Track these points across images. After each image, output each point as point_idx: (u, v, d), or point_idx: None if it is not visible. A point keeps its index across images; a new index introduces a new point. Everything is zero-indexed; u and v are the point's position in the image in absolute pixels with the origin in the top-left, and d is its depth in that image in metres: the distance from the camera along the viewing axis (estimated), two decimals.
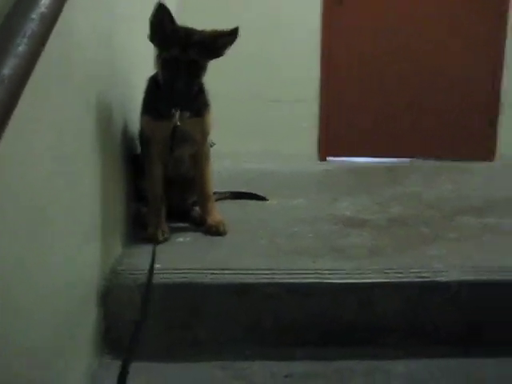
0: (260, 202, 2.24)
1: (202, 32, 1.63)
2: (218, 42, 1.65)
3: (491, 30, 3.25)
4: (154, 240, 1.62)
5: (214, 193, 2.17)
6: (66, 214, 1.19)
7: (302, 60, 3.20)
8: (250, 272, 1.48)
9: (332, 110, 3.30)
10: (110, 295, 1.43)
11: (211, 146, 3.08)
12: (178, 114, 1.59)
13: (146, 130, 1.73)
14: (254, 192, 2.30)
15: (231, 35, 1.64)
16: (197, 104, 1.71)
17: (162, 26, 1.56)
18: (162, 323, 1.45)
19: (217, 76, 2.99)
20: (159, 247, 1.58)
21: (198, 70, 1.65)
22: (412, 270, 1.50)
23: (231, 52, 3.01)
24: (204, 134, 1.81)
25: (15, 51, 0.61)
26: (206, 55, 1.64)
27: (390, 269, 1.51)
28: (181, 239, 1.75)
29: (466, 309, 1.47)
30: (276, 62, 3.19)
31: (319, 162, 3.26)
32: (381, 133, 3.34)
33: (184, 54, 1.58)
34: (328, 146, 3.29)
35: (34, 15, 0.66)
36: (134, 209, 1.84)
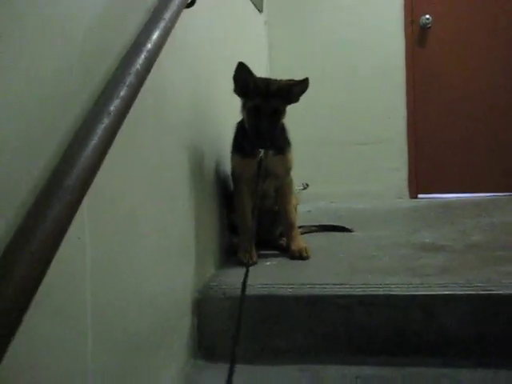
0: (346, 234, 2.42)
1: (278, 82, 1.89)
2: (293, 90, 1.90)
3: None
4: (242, 263, 1.89)
5: (303, 226, 2.41)
6: (163, 238, 1.46)
7: (387, 101, 3.38)
8: (326, 286, 1.66)
9: (420, 148, 3.41)
10: (202, 306, 1.67)
11: (305, 188, 3.36)
12: (262, 152, 1.85)
13: (236, 167, 2.00)
14: (342, 225, 2.49)
15: (303, 83, 1.89)
16: (279, 143, 1.96)
17: (244, 81, 1.84)
18: (247, 330, 1.66)
19: (309, 125, 3.32)
20: (252, 269, 1.86)
21: (278, 115, 1.89)
22: (477, 284, 1.60)
23: (321, 101, 3.32)
24: (286, 169, 2.04)
25: (118, 94, 0.90)
26: (283, 102, 1.89)
27: (455, 283, 1.62)
28: (267, 263, 1.97)
29: None
30: (363, 105, 3.39)
31: (410, 199, 3.36)
32: (471, 168, 3.38)
33: (265, 102, 1.84)
34: (418, 183, 3.40)
35: (131, 71, 0.96)
36: (227, 239, 2.10)
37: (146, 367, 1.33)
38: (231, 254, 2.05)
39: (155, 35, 1.10)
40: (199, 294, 1.69)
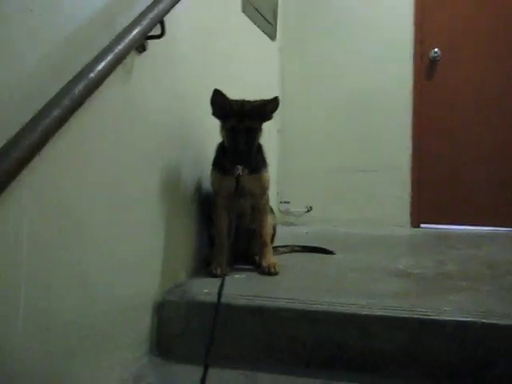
0: (326, 256, 2.52)
1: (252, 103, 2.04)
2: (266, 109, 2.05)
3: None
4: (213, 275, 2.04)
5: (287, 245, 2.53)
6: (119, 245, 1.62)
7: (394, 131, 3.47)
8: (276, 299, 1.77)
9: (424, 179, 3.46)
10: (162, 309, 1.82)
11: (308, 211, 3.47)
12: (240, 169, 1.99)
13: (214, 183, 2.14)
14: (324, 247, 2.59)
15: (274, 102, 2.04)
16: (255, 163, 2.10)
17: (220, 105, 2.00)
18: (202, 335, 1.80)
19: (317, 151, 3.45)
20: (217, 280, 2.00)
21: (253, 133, 2.04)
22: (417, 309, 1.68)
23: (330, 129, 3.46)
24: (262, 188, 2.16)
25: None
26: (258, 121, 2.04)
27: (398, 307, 1.70)
28: (237, 276, 2.10)
29: (461, 347, 1.59)
30: (369, 133, 3.49)
31: (410, 228, 3.40)
32: (476, 202, 3.40)
33: (240, 122, 2.00)
34: (421, 213, 3.44)
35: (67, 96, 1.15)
36: (208, 250, 2.25)
37: (104, 357, 1.52)
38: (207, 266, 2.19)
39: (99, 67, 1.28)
40: (161, 298, 1.85)
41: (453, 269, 2.25)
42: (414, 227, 3.43)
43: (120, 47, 1.40)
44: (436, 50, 3.43)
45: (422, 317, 1.63)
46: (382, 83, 3.46)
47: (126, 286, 1.66)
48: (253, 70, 2.94)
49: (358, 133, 3.49)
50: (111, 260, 1.58)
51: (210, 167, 2.15)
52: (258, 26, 2.99)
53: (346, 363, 1.67)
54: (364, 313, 1.68)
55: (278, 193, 3.56)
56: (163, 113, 1.90)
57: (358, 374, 1.64)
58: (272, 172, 3.44)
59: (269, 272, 2.11)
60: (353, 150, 3.50)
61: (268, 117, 2.08)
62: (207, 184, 2.23)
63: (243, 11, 2.72)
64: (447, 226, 3.41)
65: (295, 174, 3.58)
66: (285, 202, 3.57)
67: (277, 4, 3.37)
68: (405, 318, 1.64)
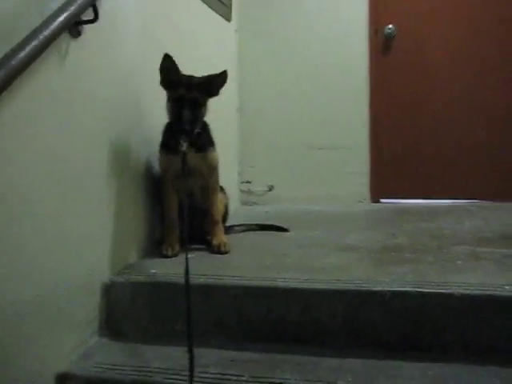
0: (281, 233, 2.56)
1: (200, 77, 2.06)
2: (213, 83, 2.07)
3: None
4: (163, 255, 2.08)
5: (243, 224, 2.57)
6: (65, 226, 1.65)
7: (351, 108, 3.50)
8: (221, 277, 1.83)
9: (382, 154, 3.52)
10: (109, 290, 1.84)
11: (270, 190, 3.51)
12: (185, 145, 1.98)
13: (161, 163, 2.15)
14: (279, 225, 2.63)
15: (222, 76, 2.07)
16: (201, 141, 2.12)
17: (169, 73, 2.01)
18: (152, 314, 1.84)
19: (276, 130, 3.48)
20: (167, 260, 2.05)
21: (199, 106, 2.05)
22: (352, 281, 1.73)
23: (288, 107, 3.49)
24: (209, 167, 2.18)
25: None
26: (204, 94, 2.06)
27: (337, 279, 1.75)
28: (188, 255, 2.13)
29: (399, 317, 1.64)
30: (327, 111, 3.52)
31: (370, 204, 3.46)
32: (435, 175, 3.46)
33: (188, 93, 2.01)
34: (380, 188, 3.49)
35: None
36: (159, 233, 2.27)
37: (52, 335, 1.56)
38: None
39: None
40: (109, 279, 1.87)
41: (402, 242, 2.31)
42: (374, 202, 3.48)
43: (47, 32, 1.40)
44: (391, 26, 3.45)
45: (358, 288, 1.69)
46: (338, 60, 3.48)
47: (73, 265, 1.68)
48: (207, 51, 2.93)
49: (317, 111, 3.50)
50: (57, 238, 1.60)
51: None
52: (211, 8, 2.98)
53: (289, 337, 1.72)
54: (304, 287, 1.73)
55: (238, 173, 3.58)
56: (108, 93, 1.92)
57: (301, 347, 1.68)
58: (232, 152, 3.50)
59: (219, 251, 2.15)
60: (312, 128, 3.52)
61: (215, 91, 2.10)
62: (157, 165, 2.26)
63: None
64: (408, 201, 3.46)
65: (256, 153, 3.59)
66: (246, 182, 3.59)
67: None
68: (343, 290, 1.70)
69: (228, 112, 3.42)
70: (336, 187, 3.45)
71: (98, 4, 1.69)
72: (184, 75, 2.04)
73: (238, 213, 3.22)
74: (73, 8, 1.49)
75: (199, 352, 1.68)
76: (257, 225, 2.64)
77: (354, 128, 3.47)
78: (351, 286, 1.70)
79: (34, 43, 1.35)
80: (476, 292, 1.60)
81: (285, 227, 2.59)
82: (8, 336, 1.38)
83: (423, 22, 3.47)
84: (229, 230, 2.48)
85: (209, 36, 3.03)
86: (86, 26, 1.72)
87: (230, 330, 1.76)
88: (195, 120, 2.04)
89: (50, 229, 1.57)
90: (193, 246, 2.23)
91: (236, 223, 2.61)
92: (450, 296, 1.60)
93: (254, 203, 3.57)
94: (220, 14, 3.16)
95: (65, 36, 1.59)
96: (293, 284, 1.74)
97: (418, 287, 1.66)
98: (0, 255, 1.35)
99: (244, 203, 3.58)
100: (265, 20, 3.58)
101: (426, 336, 1.62)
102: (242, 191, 3.59)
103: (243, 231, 2.57)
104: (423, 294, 1.63)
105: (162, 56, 1.99)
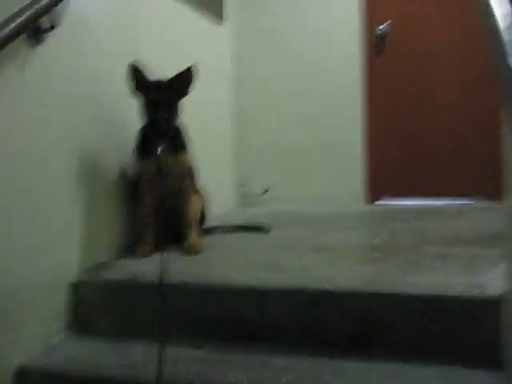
0: (262, 234, 2.56)
1: (169, 78, 2.11)
2: (180, 80, 2.11)
3: None
4: (136, 255, 2.13)
5: (223, 226, 2.61)
6: (47, 228, 1.76)
7: (345, 108, 3.49)
8: (179, 275, 1.85)
9: (377, 155, 3.49)
10: (77, 287, 1.91)
11: (265, 192, 3.53)
12: (160, 149, 2.05)
13: (137, 166, 2.21)
14: (259, 225, 2.64)
15: (188, 72, 2.11)
16: (175, 143, 2.17)
17: (138, 80, 2.08)
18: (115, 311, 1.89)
19: (270, 132, 3.51)
20: (139, 260, 2.10)
21: (172, 105, 2.11)
22: (309, 280, 1.74)
23: (282, 108, 3.50)
24: (184, 169, 2.22)
25: None
26: (175, 94, 2.11)
27: (288, 278, 1.78)
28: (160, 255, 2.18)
29: (349, 316, 1.65)
30: (321, 112, 3.51)
31: (363, 205, 3.44)
32: (430, 175, 3.42)
33: (158, 94, 2.07)
34: (375, 189, 3.46)
35: None
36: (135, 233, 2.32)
37: (21, 332, 1.66)
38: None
39: None
40: (78, 277, 1.93)
41: (379, 242, 2.30)
42: (370, 203, 3.46)
43: None
44: (384, 25, 3.43)
45: (313, 287, 1.69)
46: (331, 61, 3.47)
47: (39, 264, 1.76)
48: (192, 55, 2.95)
49: (311, 112, 3.50)
50: (24, 239, 1.69)
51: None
52: (198, 12, 3.02)
53: (246, 336, 1.73)
54: (260, 286, 1.75)
55: (235, 175, 3.61)
56: (77, 98, 1.99)
57: (256, 346, 1.69)
58: (227, 155, 3.54)
59: (189, 251, 2.18)
60: (306, 129, 3.52)
61: (184, 90, 2.14)
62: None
63: None
64: (404, 202, 3.42)
65: (250, 156, 3.61)
66: (241, 185, 3.62)
67: None
68: (298, 289, 1.70)
69: (222, 115, 3.47)
70: (332, 188, 3.44)
71: (57, 10, 1.76)
72: (152, 80, 2.10)
73: (231, 214, 3.26)
74: (22, 18, 1.54)
75: (155, 348, 1.72)
76: (238, 226, 2.66)
77: (349, 129, 3.46)
78: (307, 285, 1.71)
79: None
80: (424, 292, 1.58)
81: (266, 228, 2.60)
82: None
83: (415, 21, 3.44)
84: (208, 231, 2.53)
85: (196, 38, 3.05)
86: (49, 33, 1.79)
87: (186, 328, 1.79)
88: (168, 119, 2.10)
89: (17, 230, 1.66)
90: (169, 247, 2.28)
91: (218, 224, 2.65)
92: (397, 296, 1.60)
93: (250, 205, 3.59)
94: (209, 18, 3.19)
95: (22, 43, 1.66)
96: (250, 283, 1.77)
97: (370, 287, 1.66)
98: None
99: (240, 205, 3.61)
100: (260, 21, 3.61)
101: (375, 335, 1.62)
102: (238, 193, 3.62)
103: (223, 232, 2.60)
104: (372, 294, 1.62)
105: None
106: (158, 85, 2.09)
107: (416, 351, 1.55)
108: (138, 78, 2.08)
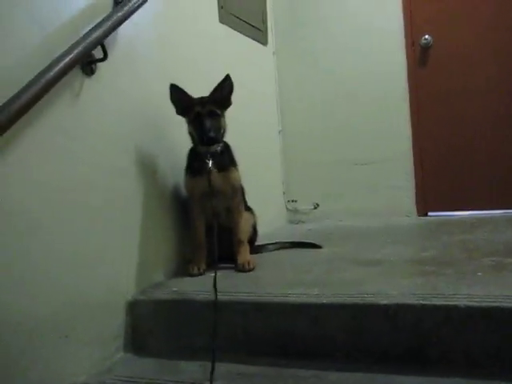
0: (314, 250, 2.58)
1: (210, 93, 2.18)
2: (221, 90, 2.17)
3: None
4: (189, 274, 2.18)
5: (278, 242, 2.63)
6: (103, 250, 1.85)
7: (392, 121, 3.46)
8: (232, 293, 1.89)
9: (427, 166, 3.44)
10: (134, 308, 1.97)
11: (315, 208, 3.53)
12: (210, 163, 2.12)
13: (187, 186, 2.26)
14: (312, 241, 2.65)
15: (227, 80, 2.18)
16: (224, 161, 2.22)
17: (181, 100, 2.16)
18: (169, 330, 1.93)
19: (320, 148, 3.52)
20: (193, 279, 2.14)
21: (217, 116, 2.17)
22: (359, 295, 1.73)
23: (330, 124, 3.52)
24: (231, 187, 2.26)
25: None
26: (219, 106, 2.17)
27: (339, 293, 1.77)
28: (212, 274, 2.20)
29: (403, 330, 1.63)
30: (369, 126, 3.50)
31: (416, 217, 3.39)
32: (482, 185, 3.34)
33: (203, 108, 2.14)
34: (427, 201, 3.41)
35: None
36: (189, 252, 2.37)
37: (62, 350, 1.67)
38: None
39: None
40: (134, 297, 1.99)
41: (430, 255, 2.26)
42: (421, 216, 3.41)
43: (52, 72, 1.55)
44: (427, 36, 3.40)
45: (363, 302, 1.68)
46: (376, 75, 3.46)
47: (96, 285, 1.82)
48: (242, 76, 3.03)
49: (358, 126, 3.50)
50: (80, 261, 1.76)
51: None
52: (243, 34, 3.09)
53: (297, 351, 1.74)
54: (311, 301, 1.76)
55: (284, 192, 3.64)
56: (131, 124, 2.09)
57: (308, 361, 1.70)
58: (277, 172, 3.58)
59: (243, 269, 2.21)
60: (354, 143, 3.52)
61: (226, 100, 2.21)
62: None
63: (221, 22, 2.84)
64: (456, 213, 3.36)
65: (300, 172, 3.63)
66: (292, 201, 3.64)
67: (265, 9, 3.47)
68: (349, 303, 1.70)
69: (271, 134, 3.51)
70: (381, 202, 3.42)
71: (107, 41, 1.85)
72: (195, 97, 2.17)
73: (282, 231, 3.28)
74: (76, 51, 1.63)
75: (208, 366, 1.76)
76: (290, 242, 2.68)
77: (397, 141, 3.43)
78: (359, 299, 1.71)
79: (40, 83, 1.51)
80: (480, 304, 1.55)
81: (318, 244, 2.61)
82: (21, 350, 1.51)
83: (459, 30, 3.39)
84: (261, 248, 2.55)
85: (244, 62, 3.13)
86: (100, 64, 1.88)
87: (238, 345, 1.82)
88: (216, 130, 2.15)
89: (68, 251, 1.72)
90: (221, 265, 2.31)
91: (271, 241, 2.67)
92: (452, 308, 1.57)
93: (300, 221, 3.60)
94: (254, 39, 3.26)
95: (77, 74, 1.76)
96: (301, 299, 1.78)
97: (423, 299, 1.64)
98: (13, 272, 1.50)
99: (291, 222, 3.63)
100: (302, 41, 3.64)
101: (430, 348, 1.59)
102: (288, 210, 3.64)
103: (276, 249, 2.62)
104: (426, 306, 1.60)
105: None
106: (201, 99, 2.16)
107: (473, 365, 1.51)
108: (180, 98, 2.16)
